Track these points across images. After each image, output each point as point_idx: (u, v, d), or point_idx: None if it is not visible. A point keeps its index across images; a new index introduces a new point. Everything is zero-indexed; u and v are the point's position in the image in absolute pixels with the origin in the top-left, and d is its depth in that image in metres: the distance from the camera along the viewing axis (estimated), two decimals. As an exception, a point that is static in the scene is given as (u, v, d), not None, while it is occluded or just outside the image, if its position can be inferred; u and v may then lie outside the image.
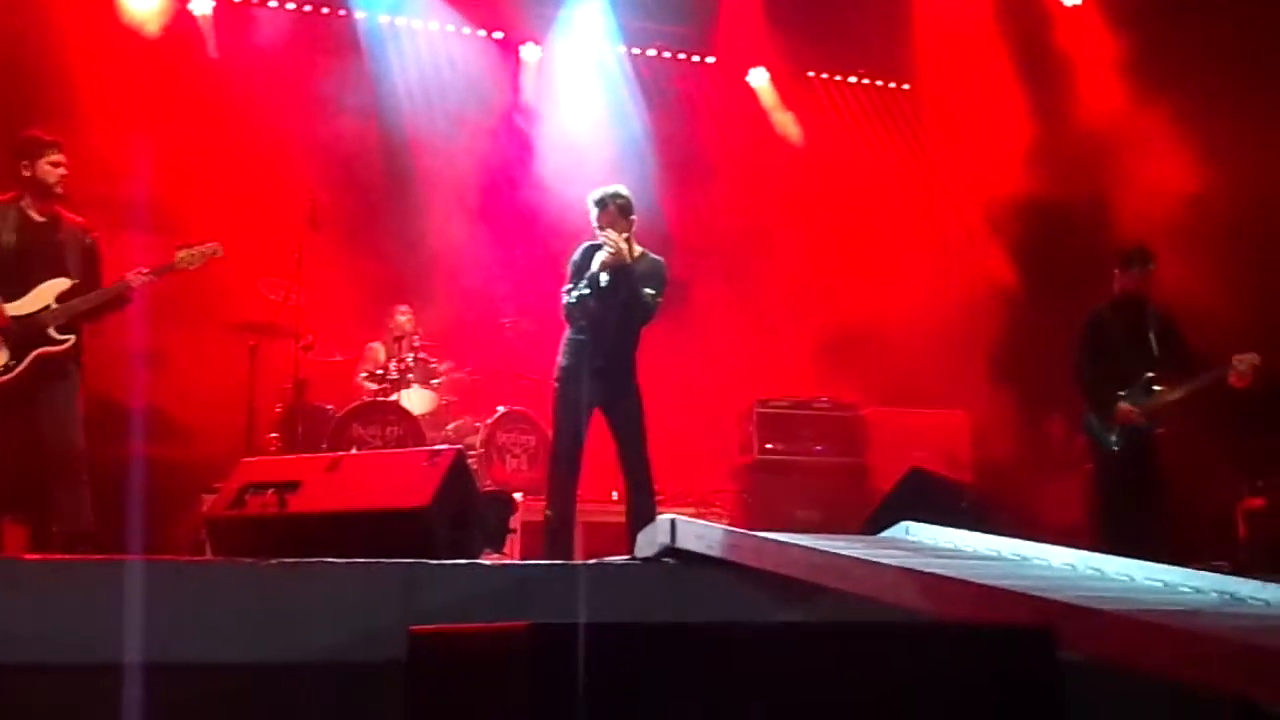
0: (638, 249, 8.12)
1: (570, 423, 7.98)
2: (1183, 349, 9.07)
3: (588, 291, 7.95)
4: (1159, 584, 5.05)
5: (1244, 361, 8.66)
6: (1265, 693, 3.47)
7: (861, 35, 14.02)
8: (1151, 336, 9.05)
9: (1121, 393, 8.92)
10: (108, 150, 10.09)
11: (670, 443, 9.32)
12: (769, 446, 11.98)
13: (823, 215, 13.40)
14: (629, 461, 8.02)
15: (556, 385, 8.07)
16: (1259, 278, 10.59)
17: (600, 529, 9.47)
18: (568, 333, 8.14)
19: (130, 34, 11.69)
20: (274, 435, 10.18)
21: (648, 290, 8.02)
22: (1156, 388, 8.93)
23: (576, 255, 8.18)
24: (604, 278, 7.92)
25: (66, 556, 6.05)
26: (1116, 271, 9.23)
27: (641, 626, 3.37)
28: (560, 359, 8.10)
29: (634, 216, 8.18)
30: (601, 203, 8.14)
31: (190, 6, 12.07)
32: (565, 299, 8.08)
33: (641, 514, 7.54)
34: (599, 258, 7.97)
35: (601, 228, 8.07)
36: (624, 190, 8.24)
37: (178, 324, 10.12)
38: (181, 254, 8.02)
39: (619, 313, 8.00)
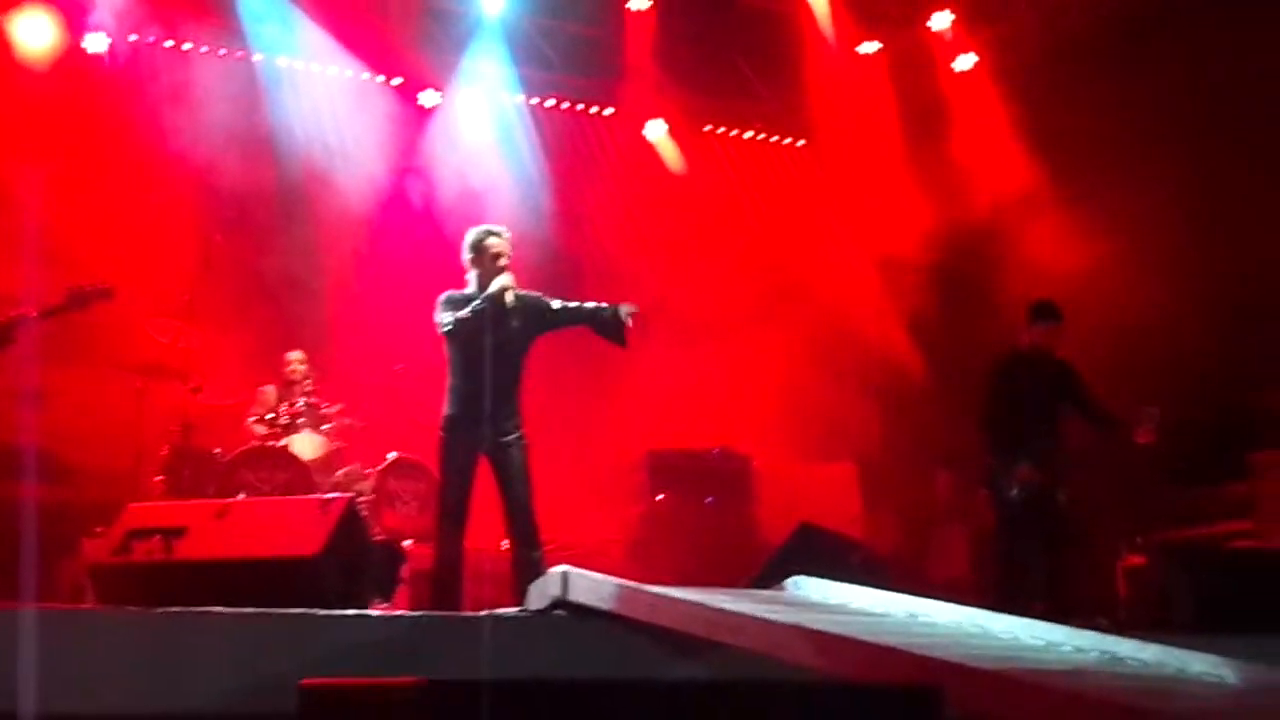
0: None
1: (456, 471, 7.91)
2: (1089, 403, 9.24)
3: (483, 306, 7.79)
4: (1042, 642, 5.15)
5: (1149, 415, 8.83)
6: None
7: (758, 92, 14.25)
8: (1056, 390, 9.20)
9: (1023, 449, 9.01)
10: (-3, 186, 9.94)
11: (559, 492, 9.28)
12: (660, 497, 11.97)
13: (719, 268, 13.49)
14: (513, 510, 7.93)
15: (442, 434, 7.99)
16: (1142, 342, 10.79)
17: (488, 579, 9.38)
18: (451, 380, 8.01)
19: (22, 70, 11.49)
20: (159, 478, 10.00)
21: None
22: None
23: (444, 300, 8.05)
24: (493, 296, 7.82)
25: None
26: (1025, 324, 9.35)
27: (536, 683, 3.37)
28: (446, 407, 8.01)
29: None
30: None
31: (84, 44, 11.89)
32: (449, 326, 7.88)
33: (526, 565, 7.48)
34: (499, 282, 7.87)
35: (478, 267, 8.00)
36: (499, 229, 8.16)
37: (63, 363, 9.92)
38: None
39: (503, 358, 7.91)
